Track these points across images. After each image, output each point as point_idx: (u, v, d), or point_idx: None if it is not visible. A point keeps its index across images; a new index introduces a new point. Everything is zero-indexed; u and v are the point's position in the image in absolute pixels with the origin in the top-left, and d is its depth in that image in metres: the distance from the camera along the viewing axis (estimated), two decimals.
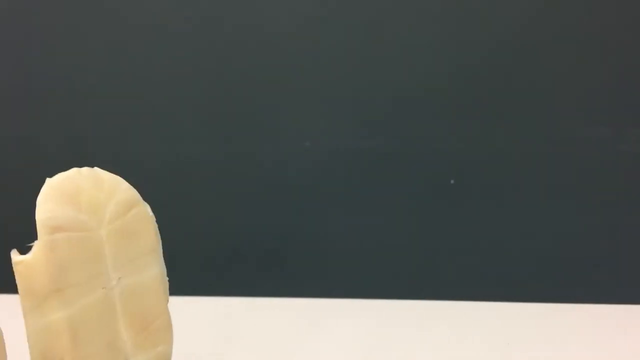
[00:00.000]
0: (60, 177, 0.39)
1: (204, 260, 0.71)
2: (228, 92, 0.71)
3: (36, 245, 0.37)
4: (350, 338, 0.55)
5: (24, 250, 0.37)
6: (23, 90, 0.71)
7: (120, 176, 0.39)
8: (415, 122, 0.64)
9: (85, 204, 0.39)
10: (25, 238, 0.39)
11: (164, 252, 0.44)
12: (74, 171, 0.40)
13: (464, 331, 0.54)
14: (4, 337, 0.40)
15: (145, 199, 0.43)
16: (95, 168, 0.42)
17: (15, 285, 0.37)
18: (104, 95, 0.71)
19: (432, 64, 0.64)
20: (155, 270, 0.42)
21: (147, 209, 0.42)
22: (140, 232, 0.41)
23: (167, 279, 0.45)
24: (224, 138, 0.47)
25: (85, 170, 0.41)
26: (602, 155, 0.54)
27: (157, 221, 0.40)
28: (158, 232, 0.44)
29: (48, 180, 0.39)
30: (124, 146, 0.72)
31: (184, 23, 0.70)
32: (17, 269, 0.36)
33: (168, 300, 0.44)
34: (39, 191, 0.39)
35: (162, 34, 0.71)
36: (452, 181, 0.53)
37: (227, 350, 0.54)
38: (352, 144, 0.65)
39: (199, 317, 0.59)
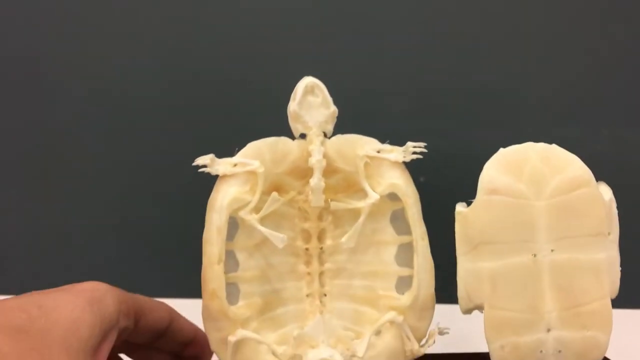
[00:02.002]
0: (512, 147, 0.42)
1: None
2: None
3: (474, 202, 0.40)
4: None
5: (468, 204, 0.41)
6: None
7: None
8: (384, 118, 0.64)
9: (527, 175, 0.40)
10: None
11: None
12: (528, 144, 0.42)
13: None
14: None
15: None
16: (554, 145, 0.42)
17: None
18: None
19: (404, 61, 0.65)
20: (599, 254, 0.40)
21: (599, 190, 0.40)
22: (586, 212, 0.40)
23: (620, 269, 0.41)
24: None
25: (541, 145, 0.42)
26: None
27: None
28: (615, 218, 0.41)
29: (501, 149, 0.42)
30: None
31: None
32: (457, 218, 0.41)
33: (616, 291, 0.40)
34: None
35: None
36: (421, 179, 0.44)
37: None
38: None
39: None
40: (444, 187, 0.47)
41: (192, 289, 0.43)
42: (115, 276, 0.69)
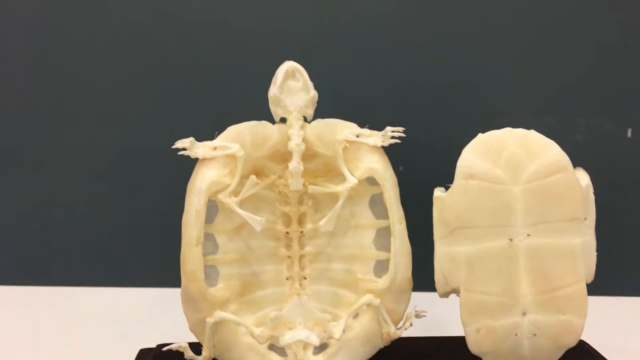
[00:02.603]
0: (491, 133, 0.42)
1: None
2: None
3: (452, 187, 0.40)
4: None
5: (446, 189, 0.41)
6: None
7: None
8: (364, 107, 0.63)
9: (504, 160, 0.40)
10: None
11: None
12: (506, 130, 0.42)
13: None
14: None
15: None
16: (532, 130, 0.42)
17: None
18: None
19: (385, 51, 0.65)
20: (575, 239, 0.40)
21: (576, 176, 0.40)
22: (563, 197, 0.40)
23: (596, 253, 0.41)
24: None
25: (519, 130, 0.42)
26: None
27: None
28: (592, 203, 0.41)
29: (479, 135, 0.41)
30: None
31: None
32: (435, 202, 0.41)
33: (592, 276, 0.40)
34: None
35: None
36: (400, 168, 0.43)
37: None
38: None
39: None
40: (422, 175, 0.47)
41: (173, 278, 0.43)
42: (93, 265, 0.70)
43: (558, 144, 0.42)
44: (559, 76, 0.66)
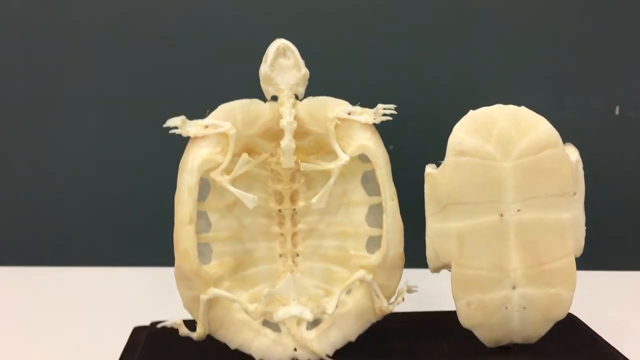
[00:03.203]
0: (482, 109, 0.42)
1: None
2: None
3: (443, 164, 0.40)
4: None
5: (437, 166, 0.41)
6: None
7: None
8: (355, 89, 0.63)
9: (495, 137, 0.40)
10: None
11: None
12: (497, 106, 0.42)
13: None
14: None
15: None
16: (522, 107, 0.42)
17: None
18: None
19: (376, 31, 0.65)
20: (564, 214, 0.40)
21: (566, 151, 0.40)
22: (553, 173, 0.40)
23: (585, 227, 0.41)
24: None
25: (509, 107, 0.42)
26: None
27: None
28: (581, 178, 0.41)
29: (471, 111, 0.41)
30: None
31: None
32: (426, 179, 0.41)
33: (581, 250, 0.40)
34: None
35: None
36: (390, 147, 0.43)
37: None
38: None
39: None
40: (414, 153, 0.47)
41: (167, 257, 0.43)
42: (87, 246, 0.69)
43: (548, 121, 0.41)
44: (548, 54, 0.66)
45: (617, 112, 0.66)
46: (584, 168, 0.42)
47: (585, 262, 0.43)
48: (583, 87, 0.66)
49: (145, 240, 0.68)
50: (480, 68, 0.66)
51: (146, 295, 0.61)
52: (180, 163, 0.40)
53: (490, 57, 0.66)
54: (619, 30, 0.65)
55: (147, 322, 0.47)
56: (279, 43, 0.41)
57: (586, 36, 0.65)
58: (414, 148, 0.58)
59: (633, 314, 0.56)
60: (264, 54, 0.42)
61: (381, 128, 0.42)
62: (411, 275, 0.43)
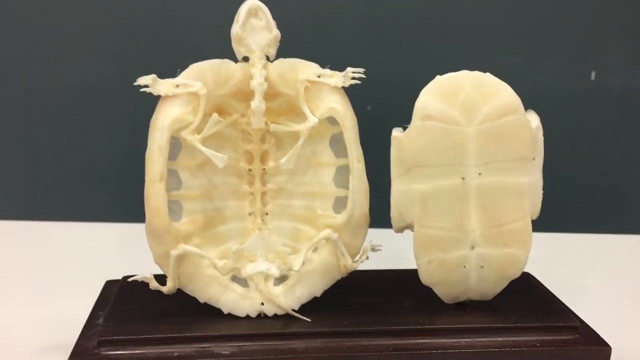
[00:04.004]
0: (448, 75, 0.42)
1: None
2: None
3: (409, 127, 0.41)
4: None
5: (404, 129, 0.41)
6: None
7: None
8: (330, 47, 0.63)
9: (460, 102, 0.41)
10: None
11: None
12: (463, 72, 0.42)
13: None
14: None
15: None
16: (487, 73, 0.42)
17: None
18: None
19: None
20: (523, 178, 0.41)
21: (527, 118, 0.41)
22: (513, 138, 0.41)
23: (542, 191, 0.42)
24: None
25: (475, 73, 0.42)
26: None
27: None
28: (541, 144, 0.42)
29: (437, 77, 0.42)
30: None
31: None
32: (393, 142, 0.41)
33: (537, 212, 0.41)
34: None
35: None
36: (368, 107, 0.46)
37: None
38: None
39: None
40: (391, 115, 0.48)
41: (138, 213, 0.43)
42: (59, 200, 0.69)
43: (524, 85, 0.42)
44: (526, 18, 0.66)
45: (592, 77, 0.67)
46: (556, 133, 0.43)
47: (542, 224, 0.44)
48: (560, 52, 0.67)
49: (118, 195, 0.68)
50: (460, 31, 0.66)
51: (118, 251, 0.62)
52: (151, 121, 0.40)
53: (471, 20, 0.66)
54: None
55: (119, 277, 0.48)
56: (251, 3, 0.40)
57: (568, 2, 0.66)
58: (391, 109, 0.58)
59: (585, 274, 0.59)
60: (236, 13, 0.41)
61: (359, 88, 0.42)
62: (376, 235, 0.44)
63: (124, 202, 0.65)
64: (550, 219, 0.45)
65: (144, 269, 0.43)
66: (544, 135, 0.43)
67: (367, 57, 0.66)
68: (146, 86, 0.40)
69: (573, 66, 0.67)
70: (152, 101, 0.41)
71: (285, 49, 0.43)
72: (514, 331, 0.41)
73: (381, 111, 0.64)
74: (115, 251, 0.62)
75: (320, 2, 0.65)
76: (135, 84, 0.40)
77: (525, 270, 0.43)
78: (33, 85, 0.67)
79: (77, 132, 0.68)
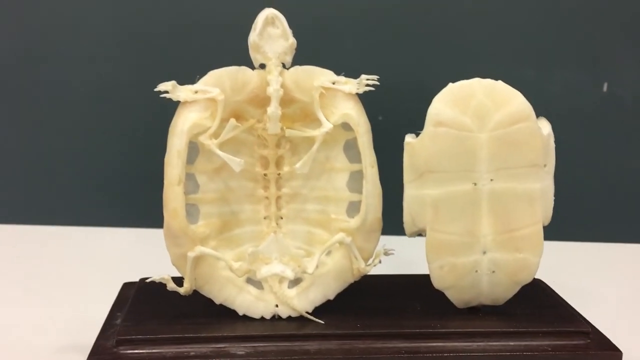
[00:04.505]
0: (460, 83, 0.42)
1: None
2: None
3: (422, 133, 0.41)
4: None
5: (417, 135, 0.41)
6: None
7: None
8: (343, 59, 0.63)
9: (472, 109, 0.41)
10: None
11: None
12: (475, 80, 0.42)
13: None
14: None
15: None
16: (499, 81, 0.43)
17: None
18: None
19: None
20: (534, 184, 0.41)
21: (538, 125, 0.41)
22: (525, 145, 0.41)
23: (554, 198, 0.42)
24: None
25: (487, 80, 0.43)
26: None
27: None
28: (552, 151, 0.42)
29: (450, 84, 0.42)
30: None
31: None
32: (405, 148, 0.42)
33: (549, 219, 0.42)
34: None
35: None
36: (380, 117, 0.45)
37: None
38: None
39: None
40: (401, 123, 0.48)
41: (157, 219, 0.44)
42: (80, 206, 0.70)
43: (536, 95, 0.42)
44: (540, 30, 0.66)
45: (605, 89, 0.68)
46: (566, 141, 0.43)
47: (554, 232, 0.44)
48: (573, 63, 0.67)
49: (136, 202, 0.69)
50: (473, 40, 0.66)
51: (135, 255, 0.62)
52: (170, 126, 0.41)
53: (484, 28, 0.66)
54: (611, 5, 0.65)
55: (136, 279, 0.48)
56: (268, 12, 0.41)
57: (579, 12, 0.66)
58: (402, 117, 0.58)
59: (595, 282, 0.58)
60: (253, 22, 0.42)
61: (370, 97, 0.43)
62: (389, 241, 0.44)
63: (141, 209, 0.66)
64: (562, 228, 0.45)
65: (160, 272, 0.43)
66: (556, 144, 0.43)
67: (381, 64, 0.66)
68: (166, 92, 0.40)
69: (586, 78, 0.68)
70: (170, 107, 0.41)
71: (300, 56, 0.43)
72: (525, 336, 0.41)
73: (394, 118, 0.64)
74: (132, 255, 0.62)
75: (336, 10, 0.66)
76: (155, 89, 0.40)
77: (536, 277, 0.43)
78: (52, 87, 0.68)
79: (97, 141, 0.69)
